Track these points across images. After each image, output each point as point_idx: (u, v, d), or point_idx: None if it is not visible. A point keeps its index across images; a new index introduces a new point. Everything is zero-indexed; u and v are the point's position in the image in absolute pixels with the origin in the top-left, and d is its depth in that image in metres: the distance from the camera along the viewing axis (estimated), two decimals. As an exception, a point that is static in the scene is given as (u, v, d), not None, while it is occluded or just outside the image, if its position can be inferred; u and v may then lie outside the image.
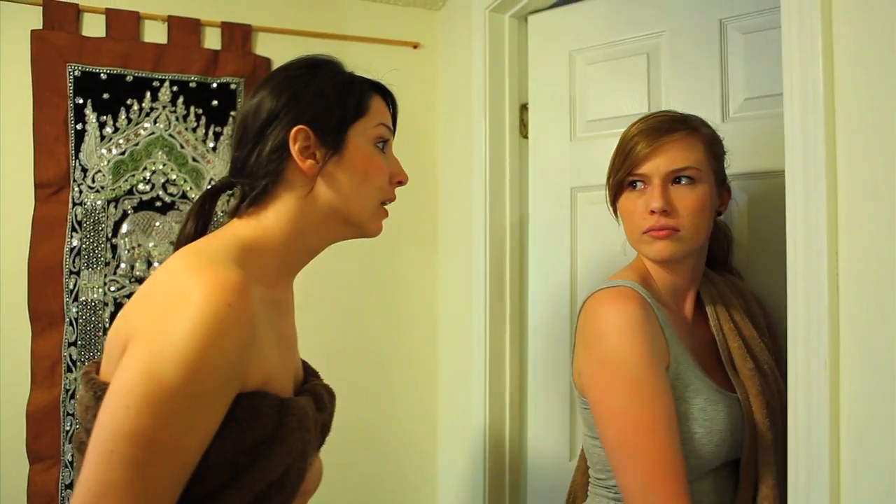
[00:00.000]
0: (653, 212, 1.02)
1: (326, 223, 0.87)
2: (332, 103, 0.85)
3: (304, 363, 0.99)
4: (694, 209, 1.03)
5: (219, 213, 0.96)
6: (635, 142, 1.07)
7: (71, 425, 1.66)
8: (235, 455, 0.72)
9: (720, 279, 1.17)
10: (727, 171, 1.12)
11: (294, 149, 0.83)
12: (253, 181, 0.85)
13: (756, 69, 1.33)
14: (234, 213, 0.87)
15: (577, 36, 1.63)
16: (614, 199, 1.12)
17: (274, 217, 0.84)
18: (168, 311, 0.68)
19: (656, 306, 1.02)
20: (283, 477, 0.78)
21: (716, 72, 1.38)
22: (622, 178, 1.08)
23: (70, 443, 1.65)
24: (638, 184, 1.07)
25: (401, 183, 0.93)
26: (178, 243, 0.87)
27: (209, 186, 0.92)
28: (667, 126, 1.05)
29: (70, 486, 1.65)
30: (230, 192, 0.92)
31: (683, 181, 1.04)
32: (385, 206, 0.92)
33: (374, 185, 0.88)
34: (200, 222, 0.88)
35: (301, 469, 0.82)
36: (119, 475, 0.64)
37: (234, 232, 0.83)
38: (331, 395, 0.96)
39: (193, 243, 0.82)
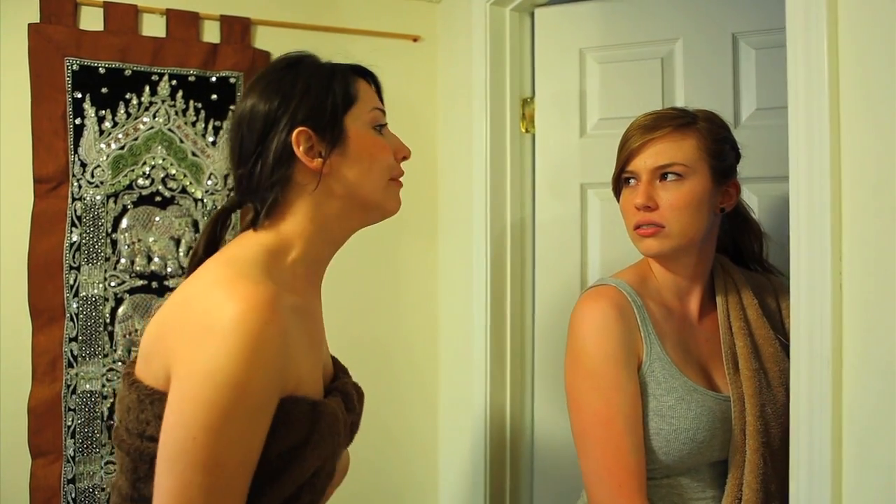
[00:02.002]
0: (637, 208, 1.06)
1: (345, 212, 0.88)
2: (321, 97, 0.86)
3: (335, 359, 1.00)
4: (678, 206, 1.04)
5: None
6: (627, 137, 1.10)
7: (72, 421, 1.66)
8: (269, 460, 0.75)
9: (743, 276, 1.16)
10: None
11: (299, 151, 0.83)
12: (263, 195, 0.85)
13: (766, 82, 1.42)
14: (253, 226, 0.87)
15: (588, 34, 1.65)
16: (617, 196, 1.14)
17: (293, 223, 0.85)
18: (208, 333, 0.70)
19: (639, 304, 1.06)
20: (314, 478, 0.80)
21: (728, 82, 1.46)
22: (618, 175, 1.12)
23: (72, 438, 1.66)
24: (631, 180, 1.09)
25: (405, 157, 0.94)
26: (190, 268, 0.88)
27: (219, 208, 0.93)
28: (656, 123, 1.07)
29: (72, 481, 1.65)
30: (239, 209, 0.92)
31: (671, 178, 1.05)
32: (398, 180, 0.93)
33: (381, 166, 0.89)
34: (212, 246, 0.89)
35: (330, 470, 0.85)
36: (200, 501, 0.69)
37: (259, 240, 0.84)
38: (360, 394, 0.98)
39: (222, 252, 0.83)
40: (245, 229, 0.89)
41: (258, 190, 0.85)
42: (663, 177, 1.05)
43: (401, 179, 0.93)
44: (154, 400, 0.76)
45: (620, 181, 1.12)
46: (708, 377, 1.07)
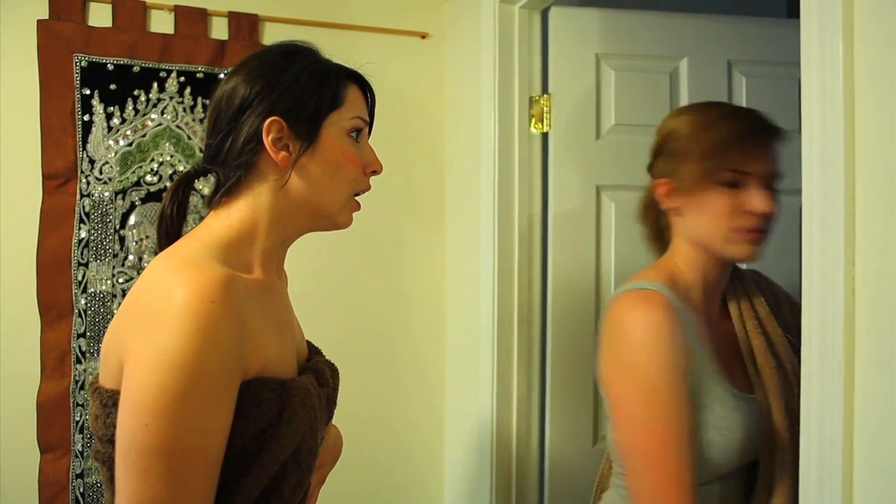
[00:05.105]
0: (753, 213, 0.98)
1: (298, 214, 0.87)
2: (306, 94, 0.85)
3: (309, 343, 1.01)
4: (776, 216, 1.01)
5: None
6: (743, 132, 1.00)
7: (81, 416, 1.67)
8: (244, 443, 0.75)
9: (747, 275, 1.15)
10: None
11: (267, 140, 0.83)
12: (227, 170, 0.85)
13: (755, 107, 1.55)
14: (210, 201, 0.88)
15: (603, 40, 1.70)
16: (686, 190, 1.03)
17: (247, 209, 0.85)
18: (157, 318, 0.70)
19: (682, 309, 1.00)
20: (296, 454, 0.80)
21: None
22: (712, 170, 0.99)
23: (80, 433, 1.67)
24: (736, 181, 1.00)
25: (375, 172, 0.92)
26: (160, 225, 0.88)
27: (184, 171, 0.93)
28: (775, 127, 1.03)
29: (80, 476, 1.66)
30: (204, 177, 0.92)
31: (774, 185, 1.02)
32: (357, 199, 0.92)
33: (346, 177, 0.88)
34: (176, 205, 0.88)
35: (313, 445, 0.84)
36: (161, 489, 0.67)
37: (210, 231, 0.84)
38: (333, 369, 0.97)
39: (171, 247, 0.83)
40: (207, 202, 0.88)
41: (223, 163, 0.85)
42: (769, 185, 1.01)
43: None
44: (116, 401, 0.74)
45: (712, 178, 1.00)
46: (736, 377, 1.05)
